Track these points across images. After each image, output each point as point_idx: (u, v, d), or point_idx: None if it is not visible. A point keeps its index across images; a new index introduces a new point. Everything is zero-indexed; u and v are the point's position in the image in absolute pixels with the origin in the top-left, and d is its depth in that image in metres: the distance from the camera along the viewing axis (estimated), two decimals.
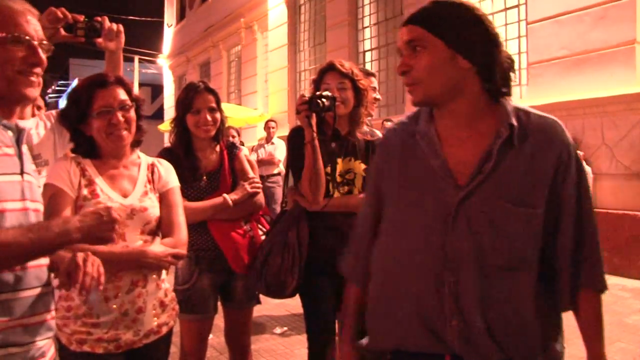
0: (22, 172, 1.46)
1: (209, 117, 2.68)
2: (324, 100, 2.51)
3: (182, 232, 2.16)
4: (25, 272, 1.42)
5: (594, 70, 6.75)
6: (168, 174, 2.24)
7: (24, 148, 1.52)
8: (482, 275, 1.41)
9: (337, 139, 2.68)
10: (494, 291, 1.41)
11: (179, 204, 2.22)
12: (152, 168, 2.20)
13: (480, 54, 1.42)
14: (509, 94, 1.49)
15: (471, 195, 1.42)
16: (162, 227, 2.14)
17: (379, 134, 3.69)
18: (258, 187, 2.78)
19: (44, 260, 1.50)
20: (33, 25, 1.46)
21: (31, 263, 1.43)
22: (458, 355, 1.43)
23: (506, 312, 1.41)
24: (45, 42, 1.50)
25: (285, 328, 4.77)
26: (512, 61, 1.48)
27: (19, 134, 1.50)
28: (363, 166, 2.68)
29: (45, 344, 1.49)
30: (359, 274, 1.70)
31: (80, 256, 1.53)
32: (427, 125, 1.52)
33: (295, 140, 2.68)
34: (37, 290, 1.45)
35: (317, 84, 2.69)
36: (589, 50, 6.87)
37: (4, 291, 1.37)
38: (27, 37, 1.44)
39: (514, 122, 1.44)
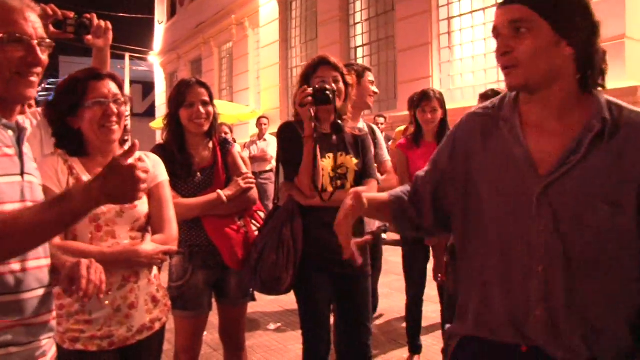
0: (22, 173, 1.42)
1: (202, 110, 2.67)
2: (327, 93, 2.52)
3: (172, 227, 2.15)
4: (26, 274, 1.40)
5: None
6: (156, 168, 2.19)
7: (25, 147, 1.48)
8: (569, 267, 1.36)
9: (339, 133, 2.69)
10: (582, 285, 1.36)
11: (169, 198, 2.19)
12: None
13: (583, 42, 1.38)
14: (603, 85, 1.44)
15: (553, 186, 1.38)
16: (152, 223, 2.12)
17: (376, 129, 3.72)
18: (251, 183, 2.79)
19: (45, 262, 1.48)
20: (32, 22, 1.40)
21: (31, 265, 1.41)
22: (538, 347, 1.39)
23: (592, 309, 1.37)
24: (46, 40, 1.44)
25: (280, 324, 4.77)
26: (605, 53, 1.43)
27: (20, 133, 1.46)
28: (355, 161, 2.69)
29: (46, 344, 1.47)
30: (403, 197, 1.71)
31: (84, 264, 1.52)
32: (511, 111, 1.49)
33: (286, 135, 2.68)
34: (38, 292, 1.43)
35: (309, 77, 2.68)
36: None
37: (4, 293, 1.35)
38: (25, 37, 1.38)
39: (607, 115, 1.38)
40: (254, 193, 2.83)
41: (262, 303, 4.89)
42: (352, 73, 2.89)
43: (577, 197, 1.36)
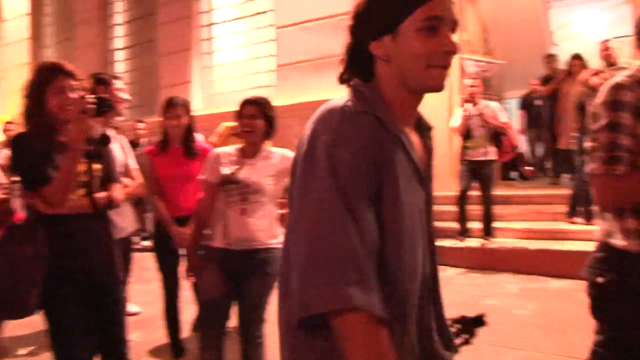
0: None
1: None
2: (110, 102, 2.52)
3: None
4: None
5: (332, 73, 7.36)
6: None
7: None
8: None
9: (107, 144, 2.65)
10: None
11: None
12: None
13: None
14: None
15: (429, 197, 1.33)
16: None
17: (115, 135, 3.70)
18: (7, 193, 2.59)
19: None
20: None
21: None
22: None
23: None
24: None
25: (32, 347, 4.41)
26: None
27: None
28: (97, 166, 2.64)
29: None
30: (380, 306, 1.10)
31: None
32: (388, 111, 1.23)
33: (23, 146, 2.52)
34: None
35: (43, 86, 2.54)
36: (328, 55, 7.52)
37: None
38: None
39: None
40: (11, 203, 2.64)
41: (9, 326, 4.46)
42: (90, 80, 2.85)
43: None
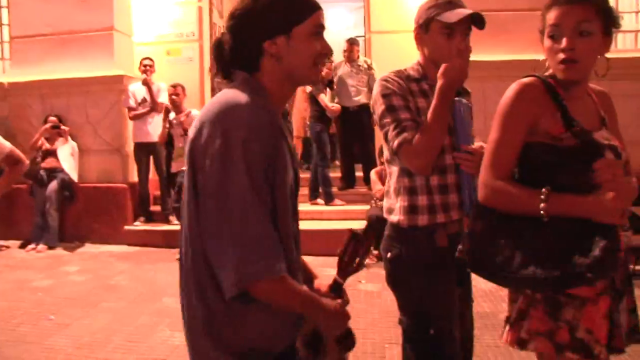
0: None
1: None
2: None
3: None
4: None
5: (77, 51, 6.95)
6: None
7: None
8: None
9: None
10: None
11: None
12: None
13: None
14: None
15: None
16: None
17: None
18: None
19: None
20: None
21: None
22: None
23: None
24: None
25: None
26: None
27: None
28: None
29: None
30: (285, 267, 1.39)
31: None
32: (272, 103, 1.48)
33: None
34: None
35: None
36: (73, 31, 7.02)
37: None
38: None
39: None
40: None
41: None
42: None
43: None
